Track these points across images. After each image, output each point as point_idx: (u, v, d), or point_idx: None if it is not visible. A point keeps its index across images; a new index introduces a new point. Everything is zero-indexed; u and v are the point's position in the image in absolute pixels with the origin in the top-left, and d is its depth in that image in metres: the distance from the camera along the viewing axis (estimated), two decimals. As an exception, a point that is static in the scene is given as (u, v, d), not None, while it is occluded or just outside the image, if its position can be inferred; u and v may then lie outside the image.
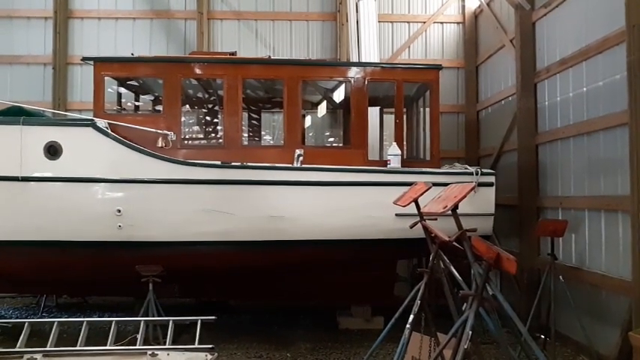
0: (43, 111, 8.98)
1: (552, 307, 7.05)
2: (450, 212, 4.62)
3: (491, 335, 5.07)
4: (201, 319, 5.72)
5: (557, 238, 7.39)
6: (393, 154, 8.19)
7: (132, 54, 10.01)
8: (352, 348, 7.72)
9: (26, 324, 5.63)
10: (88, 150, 7.47)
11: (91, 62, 8.28)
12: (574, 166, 7.67)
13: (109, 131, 7.60)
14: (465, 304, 4.38)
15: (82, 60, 8.68)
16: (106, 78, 8.29)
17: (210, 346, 5.21)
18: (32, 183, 7.37)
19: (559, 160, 8.09)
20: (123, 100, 9.80)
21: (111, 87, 9.07)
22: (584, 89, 7.42)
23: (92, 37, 11.98)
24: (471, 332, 4.06)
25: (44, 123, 7.82)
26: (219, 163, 7.70)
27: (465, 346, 4.05)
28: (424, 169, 8.06)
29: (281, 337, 8.23)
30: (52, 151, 7.34)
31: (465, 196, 4.57)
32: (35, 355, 4.97)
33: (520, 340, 4.67)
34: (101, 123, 7.64)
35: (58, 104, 11.57)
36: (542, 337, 7.51)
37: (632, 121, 5.97)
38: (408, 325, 5.12)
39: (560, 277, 7.09)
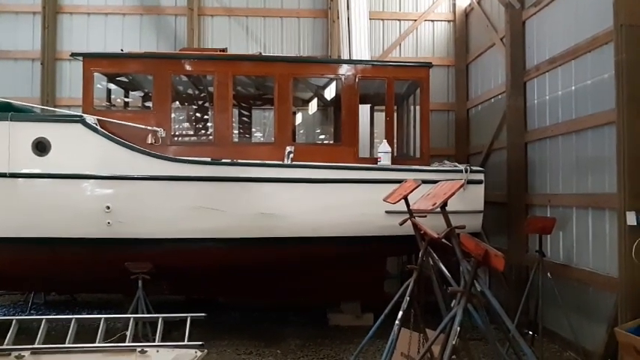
0: (32, 107, 8.91)
1: (540, 303, 7.11)
2: (439, 209, 4.64)
3: (480, 331, 5.10)
4: (191, 317, 5.72)
5: (545, 235, 7.45)
6: (384, 151, 8.21)
7: (121, 50, 9.94)
8: (342, 344, 7.74)
9: (14, 321, 5.59)
10: (77, 146, 7.41)
11: (80, 58, 8.22)
12: (562, 164, 7.73)
13: (99, 127, 7.56)
14: (453, 301, 4.41)
15: (71, 55, 8.60)
16: (95, 74, 8.23)
17: (199, 343, 5.22)
18: (20, 179, 7.31)
19: (548, 158, 8.15)
20: (112, 97, 9.73)
21: (100, 83, 9.01)
22: (573, 88, 7.48)
23: (81, 32, 11.88)
24: (459, 328, 4.09)
25: (32, 119, 7.77)
26: (209, 159, 7.69)
27: (454, 342, 4.07)
28: (414, 167, 8.10)
29: (271, 333, 8.24)
30: (41, 147, 7.29)
31: (453, 194, 4.59)
32: (23, 353, 4.95)
33: (508, 337, 4.70)
34: (90, 119, 7.59)
35: (47, 100, 11.47)
36: (530, 333, 7.57)
37: (619, 120, 6.02)
38: (397, 322, 5.15)
39: (548, 273, 7.14)
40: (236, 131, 10.65)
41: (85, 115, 7.65)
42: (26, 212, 7.27)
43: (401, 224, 5.52)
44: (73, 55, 8.43)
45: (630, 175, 5.89)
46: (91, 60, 8.23)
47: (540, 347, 7.00)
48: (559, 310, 7.17)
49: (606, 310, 6.46)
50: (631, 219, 5.80)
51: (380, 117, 9.82)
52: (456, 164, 8.38)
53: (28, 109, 8.51)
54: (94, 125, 7.54)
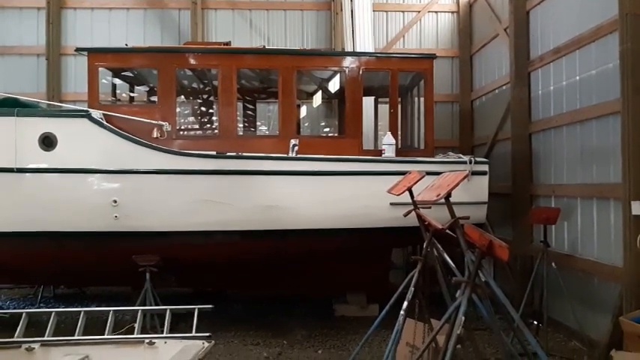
0: (38, 102, 8.96)
1: (545, 293, 7.13)
2: (443, 200, 4.66)
3: (485, 321, 5.13)
4: (198, 308, 5.77)
5: (550, 225, 7.45)
6: (388, 143, 8.22)
7: (126, 44, 9.98)
8: (348, 335, 7.79)
9: (24, 314, 5.65)
10: (83, 141, 7.47)
11: (85, 53, 8.26)
12: (567, 154, 7.72)
13: (104, 122, 7.60)
14: (458, 291, 4.44)
15: (75, 50, 8.65)
16: (100, 69, 8.27)
17: (207, 334, 5.26)
18: (27, 174, 7.38)
19: (552, 149, 8.14)
20: (118, 92, 9.78)
21: (105, 78, 9.06)
22: (577, 78, 7.46)
23: (86, 27, 11.92)
24: (463, 318, 4.12)
25: (39, 114, 7.81)
26: (214, 153, 7.73)
27: (458, 332, 4.11)
28: (418, 159, 8.11)
29: (277, 325, 8.29)
30: (47, 142, 7.35)
31: (457, 184, 4.60)
32: (33, 345, 5.00)
33: (513, 327, 4.73)
34: (96, 114, 7.64)
35: (53, 95, 11.52)
36: (535, 323, 7.60)
37: (624, 110, 6.01)
38: (402, 312, 5.18)
39: (553, 264, 7.16)
40: (241, 124, 10.68)
41: (90, 110, 7.70)
42: (34, 207, 7.33)
43: (405, 215, 5.55)
44: (78, 50, 8.48)
45: (635, 164, 5.88)
46: (95, 55, 8.26)
47: (545, 337, 7.02)
48: (564, 300, 7.19)
49: (611, 299, 6.47)
50: (636, 209, 5.79)
51: (384, 109, 9.83)
52: (461, 155, 8.38)
53: (34, 104, 8.55)
54: (100, 120, 7.58)
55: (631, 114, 5.92)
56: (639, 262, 5.81)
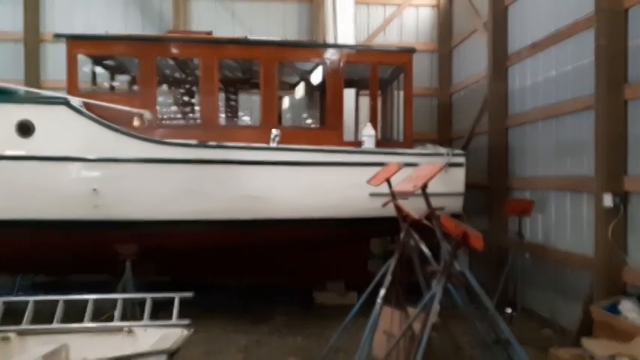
0: (16, 88, 8.80)
1: (518, 283, 7.29)
2: (419, 191, 4.75)
3: (460, 310, 5.25)
4: (179, 296, 5.80)
5: (524, 217, 7.62)
6: (368, 135, 8.31)
7: (106, 32, 9.84)
8: (326, 322, 7.85)
9: (0, 303, 5.62)
10: (62, 128, 7.38)
11: (64, 39, 8.14)
12: (542, 148, 7.89)
13: (84, 110, 7.52)
14: (434, 280, 4.54)
15: (54, 37, 8.52)
16: (79, 56, 8.16)
17: (186, 322, 5.30)
18: (3, 162, 7.28)
19: (528, 143, 8.30)
20: (98, 80, 9.65)
21: (86, 66, 8.94)
22: (554, 73, 7.61)
23: (65, 13, 11.69)
24: (439, 307, 4.23)
25: (15, 100, 7.71)
26: (195, 142, 7.71)
27: (433, 320, 4.22)
28: (397, 150, 8.21)
29: (257, 313, 8.36)
30: (25, 129, 7.25)
31: (433, 176, 4.70)
32: (9, 334, 4.98)
33: (487, 315, 4.85)
34: (75, 101, 7.56)
35: (31, 83, 11.32)
36: (509, 311, 7.76)
37: (597, 105, 6.18)
38: (379, 300, 5.28)
39: (527, 254, 7.33)
40: (222, 114, 10.64)
41: (69, 97, 7.61)
42: (11, 195, 7.24)
43: (383, 206, 5.63)
44: (56, 36, 8.35)
45: (607, 158, 6.06)
46: (74, 41, 8.15)
47: (518, 325, 7.18)
48: (537, 289, 7.36)
49: (582, 288, 6.66)
50: (607, 200, 5.98)
51: (365, 101, 9.88)
52: (439, 147, 8.49)
53: (12, 90, 8.41)
54: (79, 107, 7.50)
55: (604, 109, 6.08)
56: (610, 252, 6.00)
